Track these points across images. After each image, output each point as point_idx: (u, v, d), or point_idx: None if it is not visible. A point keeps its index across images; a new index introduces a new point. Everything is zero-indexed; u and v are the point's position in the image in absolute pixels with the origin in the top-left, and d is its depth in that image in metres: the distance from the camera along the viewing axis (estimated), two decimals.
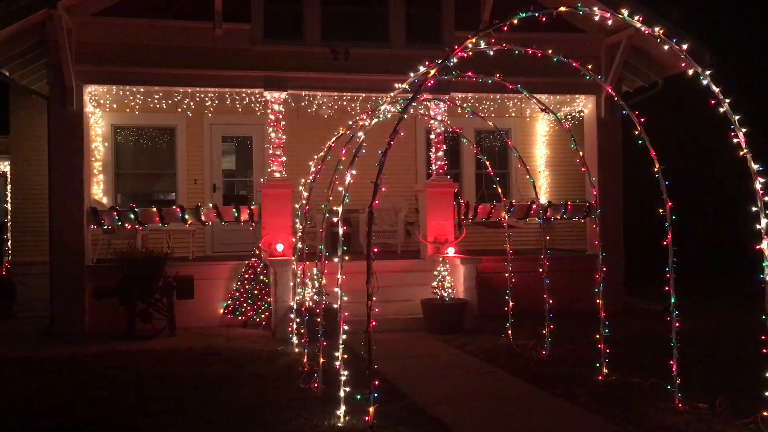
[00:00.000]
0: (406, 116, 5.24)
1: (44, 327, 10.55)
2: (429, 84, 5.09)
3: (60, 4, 9.81)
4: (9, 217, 14.54)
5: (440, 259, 10.70)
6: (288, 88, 11.26)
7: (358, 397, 5.16)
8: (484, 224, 12.67)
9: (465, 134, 10.83)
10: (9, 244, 14.49)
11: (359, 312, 6.22)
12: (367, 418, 4.96)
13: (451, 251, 11.28)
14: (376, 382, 5.11)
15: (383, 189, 4.96)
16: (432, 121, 11.61)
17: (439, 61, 5.08)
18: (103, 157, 12.89)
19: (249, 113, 12.92)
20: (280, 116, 11.33)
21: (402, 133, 5.00)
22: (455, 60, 5.35)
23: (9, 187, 15.92)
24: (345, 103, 12.40)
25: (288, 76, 11.24)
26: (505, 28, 5.16)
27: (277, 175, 11.22)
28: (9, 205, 15.14)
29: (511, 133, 14.44)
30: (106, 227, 10.99)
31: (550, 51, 6.22)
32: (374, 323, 5.12)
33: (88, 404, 6.51)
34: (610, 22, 5.98)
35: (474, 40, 5.11)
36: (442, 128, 11.62)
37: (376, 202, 4.99)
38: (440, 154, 11.76)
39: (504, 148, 14.62)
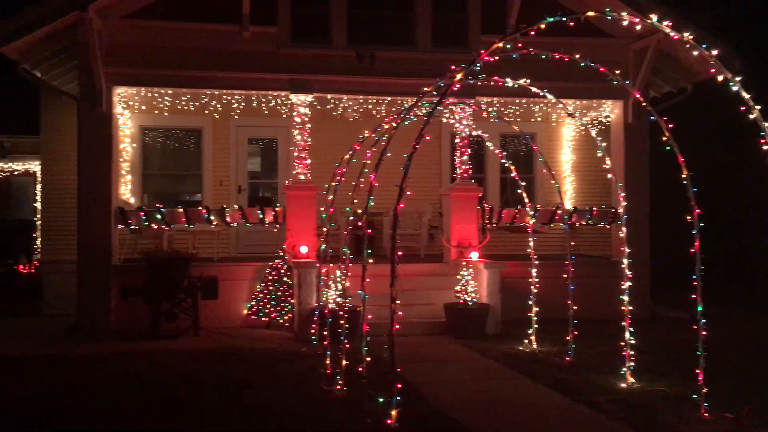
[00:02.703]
0: (431, 120, 5.25)
1: (71, 325, 10.68)
2: (455, 88, 5.09)
3: (91, 6, 9.95)
4: (38, 215, 14.79)
5: (464, 263, 10.66)
6: (314, 91, 11.31)
7: (381, 400, 5.16)
8: (508, 229, 12.61)
9: (490, 139, 10.77)
10: (38, 242, 14.72)
11: (382, 315, 6.24)
12: (389, 421, 4.96)
13: (474, 255, 11.24)
14: (399, 386, 5.11)
15: (408, 192, 4.97)
16: (457, 126, 11.60)
17: (465, 66, 5.07)
18: (131, 158, 13.04)
19: (275, 116, 12.99)
20: (306, 119, 11.39)
21: (428, 137, 5.01)
22: (480, 64, 5.34)
23: (39, 186, 16.21)
24: (370, 106, 12.43)
25: (314, 79, 11.30)
26: (532, 33, 5.15)
27: (302, 177, 11.27)
28: (38, 204, 15.41)
29: (537, 137, 14.36)
30: (133, 227, 11.10)
31: (577, 56, 6.18)
32: (397, 326, 5.12)
33: (109, 402, 6.60)
34: (638, 27, 5.93)
35: (501, 45, 5.10)
36: (467, 132, 11.60)
37: (401, 205, 5.00)
38: (465, 158, 11.73)
39: (529, 153, 14.53)
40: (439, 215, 13.04)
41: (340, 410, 6.20)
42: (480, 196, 11.84)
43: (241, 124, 13.52)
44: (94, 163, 10.73)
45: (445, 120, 12.17)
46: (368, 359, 5.81)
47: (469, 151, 11.82)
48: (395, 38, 11.78)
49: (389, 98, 11.87)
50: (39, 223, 14.44)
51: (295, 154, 11.38)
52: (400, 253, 5.13)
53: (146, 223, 11.00)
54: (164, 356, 8.64)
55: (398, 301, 5.29)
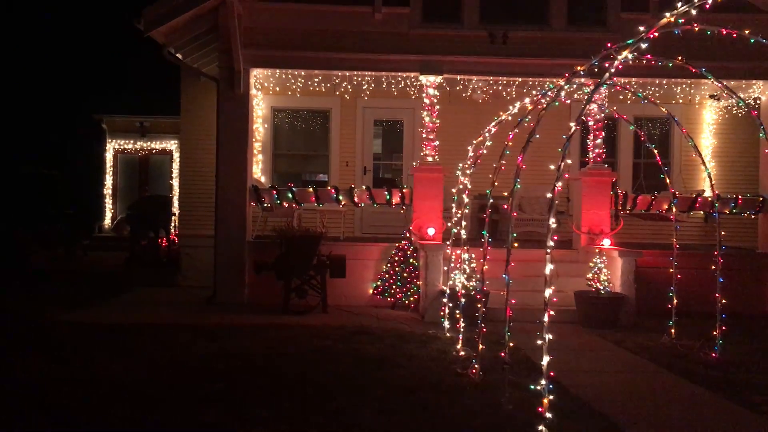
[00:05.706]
0: (559, 101, 5.05)
1: (207, 297, 11.19)
2: (620, 67, 4.86)
3: None
4: (174, 192, 15.58)
5: (596, 250, 10.28)
6: (443, 72, 11.20)
7: (531, 387, 5.05)
8: (641, 216, 12.07)
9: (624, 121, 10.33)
10: (175, 217, 15.51)
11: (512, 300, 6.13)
12: (540, 410, 4.83)
13: (606, 243, 10.84)
14: (551, 374, 4.97)
15: (567, 176, 4.79)
16: (591, 106, 11.16)
17: (631, 42, 4.82)
18: (263, 138, 13.45)
19: (402, 97, 12.99)
20: (435, 100, 11.30)
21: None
22: (648, 42, 5.07)
23: (174, 164, 17.10)
24: (500, 87, 12.19)
25: (444, 59, 11.18)
26: (708, 6, 4.82)
27: (430, 159, 11.22)
28: (174, 181, 16.24)
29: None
30: (265, 205, 11.45)
31: (747, 32, 5.75)
32: (551, 313, 4.98)
33: (252, 371, 6.83)
34: None
35: (672, 19, 4.81)
36: (602, 114, 11.14)
37: (559, 188, 4.84)
38: (598, 141, 11.27)
39: (664, 137, 13.83)
40: (566, 200, 12.66)
41: (478, 394, 6.14)
42: (613, 182, 11.37)
43: (368, 105, 13.62)
44: (231, 142, 11.11)
45: (576, 101, 11.75)
46: (511, 344, 5.70)
47: (602, 133, 11.36)
48: (528, 17, 11.46)
49: (520, 79, 11.58)
50: (176, 198, 15.16)
51: (423, 135, 11.33)
52: (556, 237, 4.96)
53: (278, 202, 11.31)
54: (297, 331, 8.88)
55: (524, 289, 5.15)
